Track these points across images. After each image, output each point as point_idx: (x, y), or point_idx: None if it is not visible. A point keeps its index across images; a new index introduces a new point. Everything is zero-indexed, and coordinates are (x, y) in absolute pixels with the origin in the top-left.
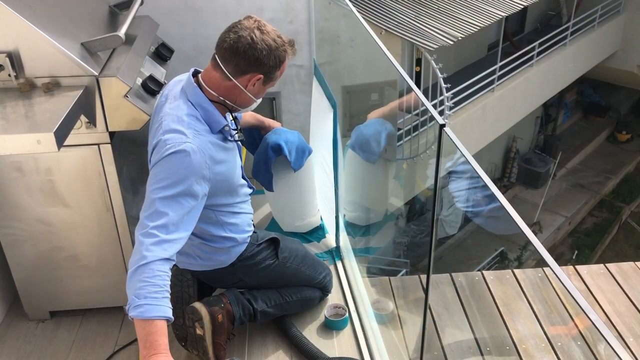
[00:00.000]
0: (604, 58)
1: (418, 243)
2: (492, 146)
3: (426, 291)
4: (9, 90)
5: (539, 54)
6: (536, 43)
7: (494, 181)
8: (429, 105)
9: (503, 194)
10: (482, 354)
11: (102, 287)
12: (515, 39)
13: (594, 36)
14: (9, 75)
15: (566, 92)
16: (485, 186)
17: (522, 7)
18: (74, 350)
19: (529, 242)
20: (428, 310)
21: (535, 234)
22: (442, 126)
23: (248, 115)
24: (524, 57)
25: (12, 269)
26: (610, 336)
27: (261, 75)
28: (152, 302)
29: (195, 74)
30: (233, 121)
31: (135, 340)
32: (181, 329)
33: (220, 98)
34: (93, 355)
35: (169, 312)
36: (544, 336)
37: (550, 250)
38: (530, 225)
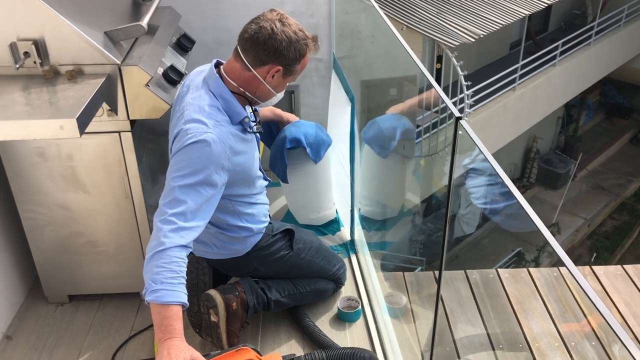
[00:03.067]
0: (629, 59)
1: (435, 241)
2: (512, 146)
3: (438, 283)
4: (34, 77)
5: (561, 53)
6: (559, 42)
7: (513, 181)
8: (444, 96)
9: (522, 194)
10: (494, 350)
11: (120, 273)
12: (538, 38)
13: (620, 36)
14: (35, 62)
15: (589, 92)
16: (502, 183)
17: (546, 5)
18: (91, 334)
19: (546, 242)
20: (441, 305)
21: (553, 235)
22: (458, 118)
23: (266, 109)
24: (547, 57)
25: (33, 252)
26: (626, 337)
27: (280, 67)
28: (169, 287)
29: (217, 65)
30: (253, 113)
31: (151, 325)
32: (196, 316)
33: (240, 89)
34: (109, 339)
35: (184, 298)
36: (558, 335)
37: (568, 252)
38: (548, 227)
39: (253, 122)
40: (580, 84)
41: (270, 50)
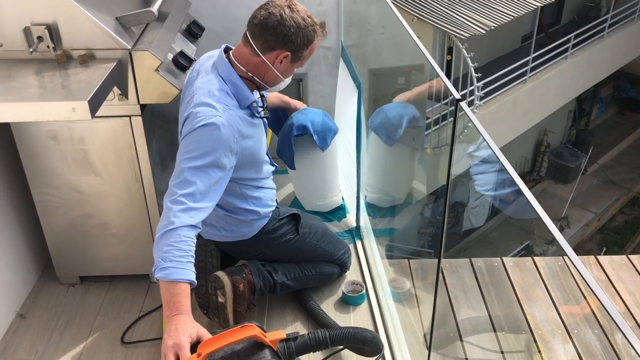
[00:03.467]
0: None
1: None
2: (523, 139)
3: (438, 267)
4: (47, 61)
5: (574, 46)
6: (571, 35)
7: (523, 175)
8: (445, 79)
9: (531, 187)
10: (495, 333)
11: (130, 255)
12: (550, 31)
13: (634, 29)
14: (48, 46)
15: (601, 86)
16: (502, 169)
17: None
18: (101, 314)
19: (553, 235)
20: (444, 292)
21: (562, 229)
22: (458, 100)
23: (274, 96)
24: (559, 49)
25: (45, 234)
26: (625, 326)
27: (288, 53)
28: (178, 265)
29: (226, 50)
30: (260, 99)
31: (160, 306)
32: (204, 297)
33: (249, 74)
34: (119, 319)
35: (192, 276)
36: (561, 323)
37: (577, 246)
38: (557, 220)
39: (261, 107)
40: (593, 77)
41: (279, 36)
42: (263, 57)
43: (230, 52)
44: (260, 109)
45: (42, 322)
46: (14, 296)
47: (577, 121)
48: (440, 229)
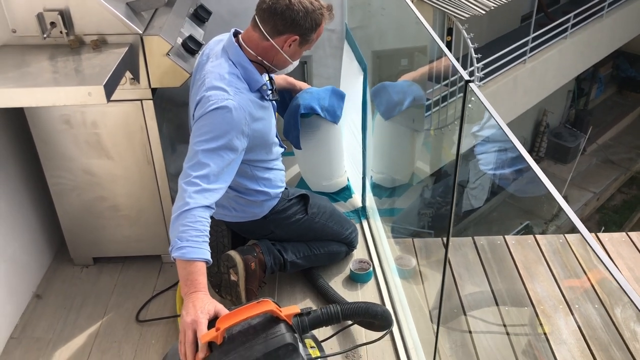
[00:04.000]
0: None
1: (443, 214)
2: (522, 119)
3: (446, 247)
4: (60, 46)
5: (573, 25)
6: (571, 14)
7: None
8: (454, 61)
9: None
10: (498, 306)
11: (142, 236)
12: (550, 10)
13: (633, 8)
14: (61, 32)
15: (601, 65)
16: (512, 147)
17: None
18: (115, 294)
19: (555, 216)
20: (448, 269)
21: (561, 209)
22: (467, 82)
23: (279, 78)
24: (558, 29)
25: (59, 216)
26: (637, 297)
27: (297, 37)
28: (194, 245)
29: (235, 34)
30: (269, 81)
31: (172, 286)
32: (215, 276)
33: (259, 58)
34: (133, 298)
35: (208, 255)
36: (562, 298)
37: (599, 233)
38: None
39: (270, 89)
40: (592, 56)
41: (287, 21)
42: (272, 41)
43: (240, 36)
44: (269, 92)
45: (58, 301)
46: (29, 277)
47: (576, 101)
48: (440, 209)
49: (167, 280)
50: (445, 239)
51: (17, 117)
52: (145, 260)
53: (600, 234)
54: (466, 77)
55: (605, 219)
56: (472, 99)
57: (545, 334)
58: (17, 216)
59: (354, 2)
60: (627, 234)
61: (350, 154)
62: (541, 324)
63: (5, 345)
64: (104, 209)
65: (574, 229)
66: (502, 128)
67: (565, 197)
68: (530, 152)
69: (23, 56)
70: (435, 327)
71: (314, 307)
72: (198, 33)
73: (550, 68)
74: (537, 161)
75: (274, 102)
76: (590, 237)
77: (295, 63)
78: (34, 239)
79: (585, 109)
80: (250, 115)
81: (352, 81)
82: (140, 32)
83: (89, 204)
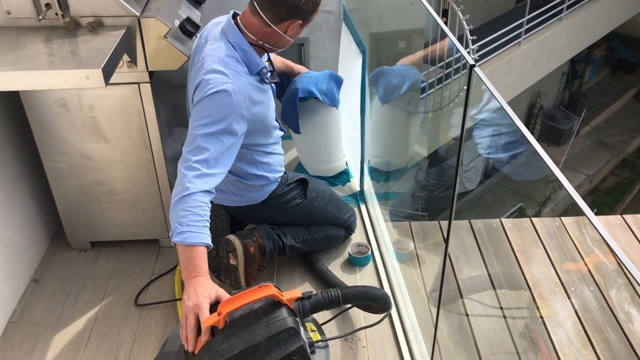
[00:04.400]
0: (637, 12)
1: (437, 197)
2: (516, 102)
3: (448, 231)
4: (55, 28)
5: (568, 7)
6: None
7: None
8: (458, 44)
9: (524, 150)
10: (495, 290)
11: (139, 220)
12: None
13: None
14: (56, 14)
15: (595, 47)
16: (516, 129)
17: None
18: (114, 278)
19: (548, 198)
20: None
21: (555, 191)
22: (472, 66)
23: (277, 61)
24: (553, 11)
25: (56, 200)
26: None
27: (300, 21)
28: (194, 229)
29: (234, 16)
30: (269, 64)
31: (170, 270)
32: (214, 260)
33: (260, 42)
34: (132, 282)
35: (208, 240)
36: (558, 281)
37: (569, 208)
38: (549, 182)
39: (269, 71)
40: (587, 38)
41: (290, 8)
42: (275, 27)
43: (238, 18)
44: (269, 74)
45: (57, 286)
46: (27, 262)
47: (570, 83)
48: (434, 192)
49: (165, 264)
50: (441, 221)
51: (13, 101)
52: (143, 244)
53: (596, 217)
54: (471, 62)
55: (598, 201)
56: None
57: (542, 317)
58: (14, 200)
59: None
60: (622, 217)
61: (348, 138)
62: (538, 308)
63: (4, 330)
64: (101, 193)
65: (567, 212)
66: (507, 113)
67: (557, 180)
68: None
69: (18, 38)
70: (434, 309)
71: (313, 291)
72: (195, 15)
73: (544, 50)
74: None
75: (273, 85)
76: (595, 219)
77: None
78: (31, 224)
79: (579, 91)
80: (250, 99)
81: (351, 64)
82: (138, 14)
83: (86, 188)
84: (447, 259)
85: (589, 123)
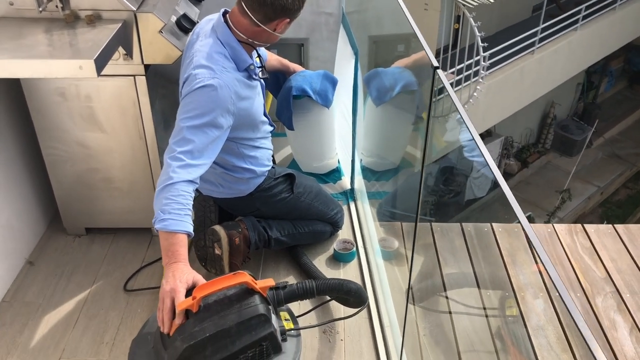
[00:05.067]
0: None
1: (446, 203)
2: (529, 110)
3: (414, 233)
4: (55, 20)
5: (584, 17)
6: (582, 6)
7: (528, 146)
8: (426, 46)
9: (536, 159)
10: (481, 296)
11: (133, 208)
12: (562, 1)
13: None
14: (56, 6)
15: (612, 59)
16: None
17: None
18: (105, 264)
19: (557, 208)
20: (434, 253)
21: (564, 201)
22: (435, 68)
23: (273, 60)
24: (569, 20)
25: (53, 187)
26: (563, 290)
27: (288, 19)
28: (176, 217)
29: (224, 13)
30: (257, 60)
31: (160, 258)
32: (202, 250)
33: (249, 40)
34: (122, 268)
35: (189, 228)
36: (544, 287)
37: (578, 219)
38: (559, 192)
39: (258, 67)
40: (602, 49)
41: (277, 8)
42: (264, 27)
43: (228, 16)
44: (258, 70)
45: (50, 269)
46: (23, 244)
47: (585, 94)
48: (442, 197)
49: (156, 252)
50: (433, 223)
51: (14, 89)
52: (136, 232)
53: (587, 225)
54: (435, 64)
55: (608, 213)
56: (477, 89)
57: (524, 321)
58: (12, 184)
59: None
60: (614, 226)
61: (341, 137)
62: (512, 306)
63: None
64: (97, 180)
65: (576, 221)
66: (461, 116)
67: (567, 190)
68: (536, 143)
69: (20, 29)
70: (412, 306)
71: (291, 282)
72: (193, 12)
73: (559, 59)
74: (543, 153)
75: (262, 81)
76: (529, 226)
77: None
78: (29, 208)
79: (594, 103)
80: (236, 94)
81: (346, 65)
82: (134, 9)
83: (83, 175)
84: (436, 259)
85: (603, 135)
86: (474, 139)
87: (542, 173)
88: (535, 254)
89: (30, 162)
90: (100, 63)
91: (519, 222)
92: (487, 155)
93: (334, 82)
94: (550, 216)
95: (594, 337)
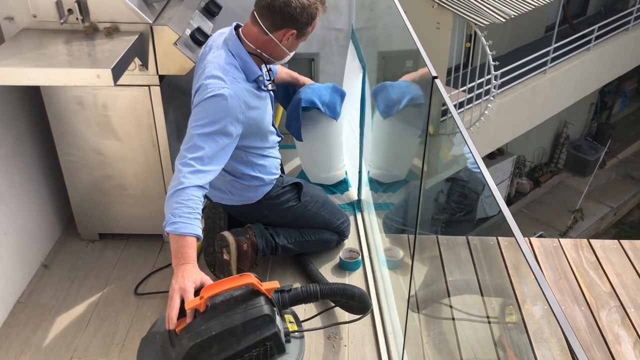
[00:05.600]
0: None
1: (457, 221)
2: (542, 129)
3: (413, 246)
4: (75, 32)
5: (597, 37)
6: (595, 27)
7: (540, 165)
8: (425, 57)
9: (549, 179)
10: (485, 309)
11: (145, 215)
12: (576, 22)
13: None
14: (77, 18)
15: (626, 80)
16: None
17: None
18: (117, 268)
19: (569, 228)
20: (439, 264)
21: (576, 221)
22: (434, 77)
23: (283, 73)
24: (581, 40)
25: (69, 192)
26: (553, 300)
27: (294, 31)
28: (186, 221)
29: (236, 27)
30: (267, 73)
31: (170, 264)
32: (211, 256)
33: (258, 50)
34: (133, 273)
35: (198, 231)
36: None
37: (591, 239)
38: (571, 212)
39: (268, 80)
40: (616, 70)
41: (285, 16)
42: (271, 35)
43: (240, 29)
44: (267, 82)
45: (64, 272)
46: (39, 248)
47: (599, 114)
48: (454, 215)
49: (166, 258)
50: (440, 236)
51: (34, 97)
52: (148, 238)
53: (592, 240)
54: (433, 74)
55: (622, 234)
56: (488, 107)
57: (527, 333)
58: (30, 190)
59: (361, 3)
60: (619, 242)
61: (349, 149)
62: (512, 313)
63: (12, 309)
64: (111, 187)
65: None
66: (463, 136)
67: (579, 210)
68: (548, 163)
69: (41, 39)
70: (415, 314)
71: (295, 285)
72: (207, 26)
73: (571, 79)
74: (555, 172)
75: (271, 92)
76: (522, 240)
77: (292, 54)
78: (45, 213)
79: (607, 123)
80: (246, 104)
81: (354, 79)
82: (151, 21)
83: (98, 182)
84: (441, 270)
85: (617, 155)
86: (471, 152)
87: (554, 193)
88: (528, 264)
89: (48, 168)
90: (117, 72)
91: (514, 236)
92: (483, 167)
93: (342, 95)
94: (562, 236)
95: (581, 348)
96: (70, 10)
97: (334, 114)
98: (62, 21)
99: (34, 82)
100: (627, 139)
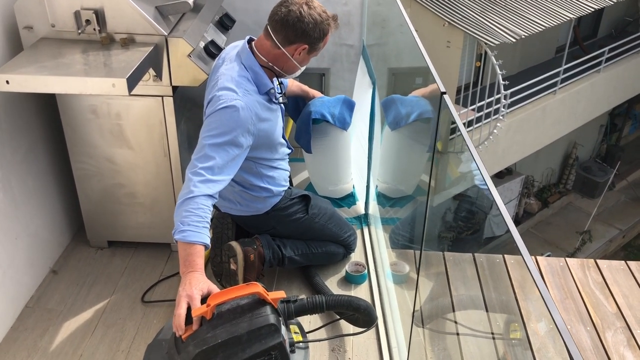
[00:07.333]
0: None
1: (464, 239)
2: (551, 150)
3: (419, 263)
4: (92, 42)
5: (608, 59)
6: (606, 49)
7: (549, 186)
8: (434, 72)
9: (557, 200)
10: (490, 325)
11: (154, 224)
12: (586, 43)
13: None
14: (94, 29)
15: (636, 102)
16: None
17: (592, 10)
18: (125, 276)
19: (577, 249)
20: (445, 281)
21: (585, 242)
22: (442, 93)
23: (294, 86)
24: (592, 62)
25: (80, 199)
26: (559, 318)
27: (306, 46)
28: (194, 229)
29: (249, 41)
30: (279, 86)
31: (177, 273)
32: (218, 266)
33: (270, 64)
34: (141, 281)
35: (207, 240)
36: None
37: (598, 260)
38: (579, 234)
39: (279, 93)
40: (626, 92)
41: (298, 31)
42: (283, 49)
43: (253, 43)
44: (278, 95)
45: (72, 278)
46: (48, 254)
47: (609, 136)
48: (461, 234)
49: (174, 266)
50: (446, 253)
51: (50, 105)
52: (156, 247)
53: (599, 260)
54: (442, 89)
55: (631, 257)
56: (497, 126)
57: (532, 350)
58: (42, 196)
59: (373, 20)
60: (626, 263)
61: (357, 164)
62: (516, 330)
63: (21, 313)
64: (122, 195)
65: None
66: (471, 152)
67: (588, 232)
68: (557, 184)
69: (59, 49)
70: (420, 329)
71: (301, 296)
72: (221, 39)
73: (581, 100)
74: (564, 193)
75: (282, 105)
76: (528, 257)
77: (303, 68)
78: (56, 219)
79: (617, 145)
80: (257, 116)
81: (364, 94)
82: (166, 33)
83: (108, 190)
84: (447, 287)
85: (626, 178)
86: (480, 170)
87: (562, 214)
88: (534, 281)
89: (60, 175)
90: (132, 82)
91: (520, 253)
92: (491, 185)
93: (351, 106)
94: (570, 257)
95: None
96: (88, 21)
97: (344, 125)
98: (79, 31)
99: (51, 89)
100: (636, 162)
